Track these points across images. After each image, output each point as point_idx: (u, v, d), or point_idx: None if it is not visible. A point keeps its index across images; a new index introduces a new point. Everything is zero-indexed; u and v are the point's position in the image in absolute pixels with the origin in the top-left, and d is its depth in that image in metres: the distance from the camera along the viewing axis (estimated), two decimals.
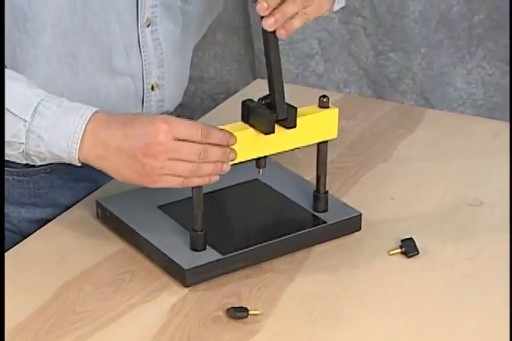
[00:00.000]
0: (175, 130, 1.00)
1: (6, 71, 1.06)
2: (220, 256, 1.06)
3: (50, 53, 1.13)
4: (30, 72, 1.13)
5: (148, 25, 1.18)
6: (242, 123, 1.05)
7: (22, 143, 1.03)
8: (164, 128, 1.00)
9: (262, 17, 1.01)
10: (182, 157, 1.00)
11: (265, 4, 1.00)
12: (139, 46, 1.19)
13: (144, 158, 1.00)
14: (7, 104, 1.03)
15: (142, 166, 1.00)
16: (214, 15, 1.33)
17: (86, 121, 1.03)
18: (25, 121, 1.03)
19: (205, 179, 1.03)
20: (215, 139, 1.02)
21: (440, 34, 1.75)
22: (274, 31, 1.02)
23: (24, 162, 1.07)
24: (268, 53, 1.03)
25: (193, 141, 1.01)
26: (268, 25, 1.01)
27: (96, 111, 1.04)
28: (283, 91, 1.04)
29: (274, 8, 1.01)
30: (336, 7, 1.19)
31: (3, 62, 1.10)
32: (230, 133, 1.02)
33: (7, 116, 1.02)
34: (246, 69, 1.84)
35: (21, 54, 1.12)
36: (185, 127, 1.01)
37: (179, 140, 1.00)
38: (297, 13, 1.02)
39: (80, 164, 1.05)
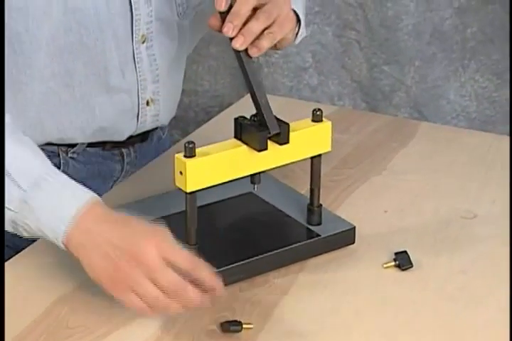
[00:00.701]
0: (168, 253, 0.96)
1: (12, 133, 1.02)
2: (214, 270, 1.05)
3: (45, 72, 1.13)
4: (26, 91, 1.13)
5: (143, 42, 1.18)
6: (236, 141, 1.05)
7: (14, 212, 0.99)
8: (159, 249, 0.95)
9: (231, 39, 1.02)
10: (159, 280, 0.95)
11: (231, 25, 1.01)
12: (134, 62, 1.19)
13: (126, 263, 0.95)
14: (8, 167, 0.98)
15: (117, 269, 0.96)
16: (207, 28, 1.33)
17: (81, 207, 0.98)
18: (24, 190, 0.98)
19: (163, 311, 0.97)
20: (201, 275, 0.97)
21: (433, 47, 1.75)
22: (246, 50, 1.03)
23: (11, 230, 1.02)
24: (246, 73, 1.03)
25: (180, 270, 0.96)
26: (239, 44, 1.01)
27: (93, 201, 1.00)
28: (269, 107, 1.04)
29: (240, 29, 1.01)
30: (299, 38, 1.20)
31: (3, 69, 1.09)
32: (218, 279, 0.98)
33: (6, 180, 0.98)
34: (240, 82, 1.84)
35: (18, 75, 1.12)
36: (180, 255, 0.96)
37: (166, 261, 0.96)
38: (263, 33, 1.03)
39: (63, 246, 1.00)
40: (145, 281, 0.95)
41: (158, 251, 0.95)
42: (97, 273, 0.98)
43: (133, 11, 1.15)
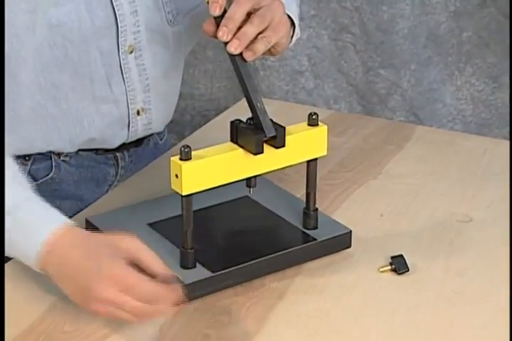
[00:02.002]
0: (137, 256, 0.96)
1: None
2: (210, 274, 1.05)
3: (32, 86, 1.13)
4: (14, 105, 1.13)
5: (131, 52, 1.18)
6: (232, 144, 1.05)
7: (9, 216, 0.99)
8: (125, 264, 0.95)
9: (226, 44, 1.02)
10: (136, 292, 0.95)
11: (225, 29, 1.01)
12: (122, 73, 1.18)
13: (98, 284, 0.95)
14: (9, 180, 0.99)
15: (88, 290, 0.95)
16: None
17: (52, 234, 0.99)
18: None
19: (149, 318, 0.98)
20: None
21: (429, 51, 1.75)
22: (241, 54, 1.03)
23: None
24: (241, 77, 1.03)
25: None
26: (233, 48, 1.01)
27: (66, 225, 1.00)
28: (265, 111, 1.04)
29: (235, 33, 1.01)
30: (293, 39, 1.20)
31: (3, 69, 1.09)
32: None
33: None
34: (236, 85, 1.83)
35: (7, 90, 1.11)
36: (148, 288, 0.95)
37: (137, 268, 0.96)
38: (258, 38, 1.03)
39: (38, 270, 1.00)
40: (121, 296, 0.94)
41: (126, 267, 0.95)
42: (72, 296, 0.98)
43: (118, 22, 1.14)
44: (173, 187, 1.02)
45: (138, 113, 1.23)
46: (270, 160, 1.06)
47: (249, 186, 1.08)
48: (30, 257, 0.99)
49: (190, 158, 1.01)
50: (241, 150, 1.04)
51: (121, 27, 1.15)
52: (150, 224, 1.14)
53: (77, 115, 1.18)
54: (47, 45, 1.10)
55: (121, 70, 1.18)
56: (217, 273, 1.05)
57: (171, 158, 1.02)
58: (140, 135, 1.27)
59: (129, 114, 1.22)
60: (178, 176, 1.01)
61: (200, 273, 1.05)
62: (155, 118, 1.26)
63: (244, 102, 1.06)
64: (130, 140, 1.27)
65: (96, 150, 1.26)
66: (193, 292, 1.04)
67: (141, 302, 0.94)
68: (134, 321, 0.97)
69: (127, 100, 1.21)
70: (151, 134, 1.31)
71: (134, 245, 0.97)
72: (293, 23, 1.17)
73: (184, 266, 1.06)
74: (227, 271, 1.06)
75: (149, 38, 1.19)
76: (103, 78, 1.17)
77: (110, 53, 1.16)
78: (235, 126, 1.05)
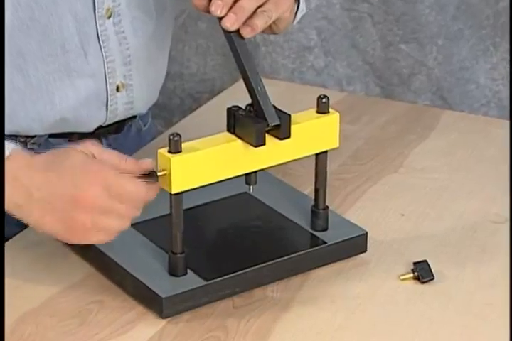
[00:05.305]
0: (113, 186, 1.00)
1: None
2: (203, 283, 1.07)
3: None
4: None
5: (109, 17, 1.19)
6: (228, 134, 1.06)
7: None
8: (99, 182, 1.00)
9: (220, 19, 1.04)
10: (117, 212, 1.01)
11: (219, 2, 1.03)
12: (99, 41, 1.20)
13: (73, 211, 1.00)
14: None
15: (70, 219, 1.01)
16: None
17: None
18: None
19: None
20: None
21: (459, 22, 1.76)
22: (238, 31, 1.05)
23: None
24: (238, 57, 1.05)
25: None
26: (230, 23, 1.04)
27: (15, 149, 1.04)
28: (267, 96, 1.05)
29: (231, 8, 1.03)
30: (298, 16, 1.21)
31: (3, 63, 1.11)
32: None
33: None
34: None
35: None
36: (126, 182, 1.01)
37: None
38: (256, 12, 1.05)
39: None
40: (104, 219, 1.00)
41: (105, 187, 1.00)
42: (49, 228, 1.03)
43: None
44: (160, 183, 1.04)
45: (117, 89, 1.25)
46: (273, 153, 1.07)
47: (248, 183, 1.10)
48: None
49: (181, 151, 1.02)
50: (239, 141, 1.06)
51: None
52: (133, 225, 1.15)
53: (48, 90, 1.19)
54: (10, 5, 1.12)
55: (99, 38, 1.20)
56: (212, 281, 1.07)
57: (159, 151, 1.03)
58: (120, 116, 1.28)
59: (107, 89, 1.23)
60: (167, 171, 1.02)
61: (192, 281, 1.07)
62: (137, 97, 1.28)
63: (242, 84, 1.07)
64: (109, 122, 1.28)
65: (69, 136, 1.27)
66: (184, 303, 1.06)
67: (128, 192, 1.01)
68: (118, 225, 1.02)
69: (105, 73, 1.22)
70: (133, 117, 1.32)
71: (95, 148, 1.02)
72: None
73: (173, 273, 1.08)
74: (222, 279, 1.07)
75: (129, 2, 1.20)
76: (78, 47, 1.18)
77: (85, 18, 1.17)
78: (233, 113, 1.06)
